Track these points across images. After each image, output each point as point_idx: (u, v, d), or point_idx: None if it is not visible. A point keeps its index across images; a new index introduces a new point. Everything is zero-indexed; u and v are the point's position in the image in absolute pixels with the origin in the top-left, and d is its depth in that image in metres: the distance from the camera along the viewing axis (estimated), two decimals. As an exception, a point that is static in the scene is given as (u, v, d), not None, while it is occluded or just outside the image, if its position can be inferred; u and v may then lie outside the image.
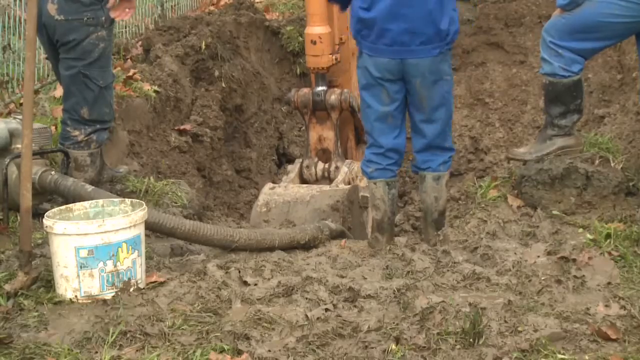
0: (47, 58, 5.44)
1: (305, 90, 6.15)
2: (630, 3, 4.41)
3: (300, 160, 6.21)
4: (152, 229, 4.25)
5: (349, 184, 5.88)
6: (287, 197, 5.57)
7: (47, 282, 3.80)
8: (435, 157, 4.73)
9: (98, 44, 4.70)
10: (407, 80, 4.55)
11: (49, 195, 4.69)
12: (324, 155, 6.17)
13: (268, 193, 5.68)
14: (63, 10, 4.63)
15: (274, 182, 6.14)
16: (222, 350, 3.18)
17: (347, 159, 6.34)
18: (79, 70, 4.71)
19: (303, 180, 6.13)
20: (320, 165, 6.11)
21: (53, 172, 4.57)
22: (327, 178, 6.08)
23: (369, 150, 4.77)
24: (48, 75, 6.49)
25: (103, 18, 4.69)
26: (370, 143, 4.76)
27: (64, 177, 4.54)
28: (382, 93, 4.59)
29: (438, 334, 3.27)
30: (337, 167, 6.03)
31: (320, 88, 6.09)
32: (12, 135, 4.56)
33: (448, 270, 3.96)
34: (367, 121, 4.73)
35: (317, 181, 6.09)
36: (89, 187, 4.43)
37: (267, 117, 8.01)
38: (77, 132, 4.81)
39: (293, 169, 6.14)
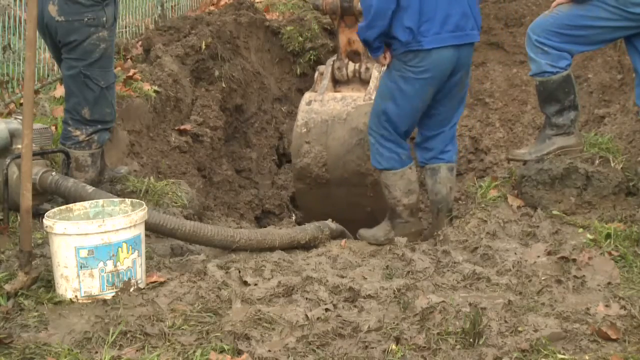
0: (54, 57, 5.45)
1: None
2: (617, 9, 4.43)
3: (332, 61, 6.30)
4: (153, 230, 4.26)
5: None
6: (324, 115, 5.89)
7: (47, 282, 3.80)
8: (451, 146, 5.01)
9: (99, 45, 4.69)
10: (454, 73, 4.76)
11: (49, 196, 4.69)
12: (354, 56, 6.28)
13: (306, 110, 5.97)
14: (63, 11, 4.63)
15: (311, 91, 6.29)
16: (222, 350, 3.18)
17: None
18: (79, 70, 4.71)
19: (335, 81, 6.27)
20: (351, 66, 6.23)
21: (54, 173, 4.56)
22: (358, 78, 6.21)
23: (394, 144, 4.88)
24: (48, 75, 6.50)
25: (104, 19, 4.69)
26: (392, 139, 4.86)
27: (64, 177, 4.54)
28: (428, 92, 4.76)
29: (438, 334, 3.27)
30: (367, 68, 6.15)
31: None
32: (13, 135, 4.56)
33: (448, 270, 3.96)
34: (400, 119, 4.81)
35: (348, 81, 6.23)
36: (90, 188, 4.43)
37: (267, 117, 8.01)
38: (78, 132, 4.81)
39: (326, 73, 6.26)
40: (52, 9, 4.63)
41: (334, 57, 6.35)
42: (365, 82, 6.14)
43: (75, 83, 4.74)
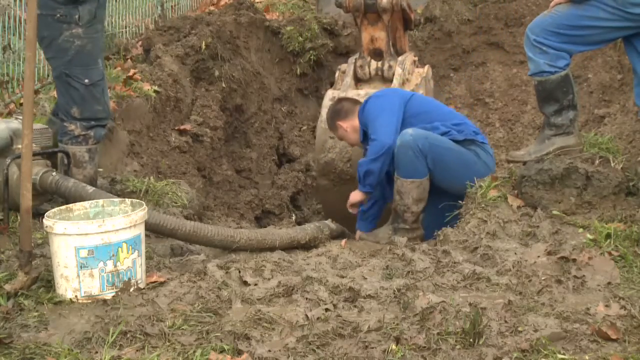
0: None
1: None
2: (616, 9, 4.42)
3: (354, 59, 6.34)
4: (153, 230, 4.26)
5: (403, 85, 6.10)
6: None
7: (47, 282, 3.80)
8: None
9: (73, 42, 4.60)
10: None
11: (50, 196, 4.68)
12: (376, 54, 6.32)
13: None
14: (39, 5, 4.57)
15: (333, 89, 6.34)
16: (222, 350, 3.18)
17: (397, 51, 6.51)
18: (61, 70, 4.66)
19: (357, 79, 6.31)
20: (374, 64, 6.28)
21: (54, 173, 4.56)
22: (381, 77, 6.26)
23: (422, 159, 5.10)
24: (48, 75, 6.49)
25: (77, 16, 4.59)
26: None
27: (65, 177, 4.54)
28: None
29: (438, 334, 3.27)
30: (390, 66, 6.20)
31: None
32: (14, 135, 4.56)
33: (448, 270, 3.96)
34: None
35: (370, 79, 6.30)
36: (90, 188, 4.42)
37: (267, 117, 8.01)
38: (73, 127, 4.74)
39: (348, 71, 6.30)
40: None
41: (356, 55, 6.40)
42: (387, 80, 6.18)
43: (60, 82, 4.69)
